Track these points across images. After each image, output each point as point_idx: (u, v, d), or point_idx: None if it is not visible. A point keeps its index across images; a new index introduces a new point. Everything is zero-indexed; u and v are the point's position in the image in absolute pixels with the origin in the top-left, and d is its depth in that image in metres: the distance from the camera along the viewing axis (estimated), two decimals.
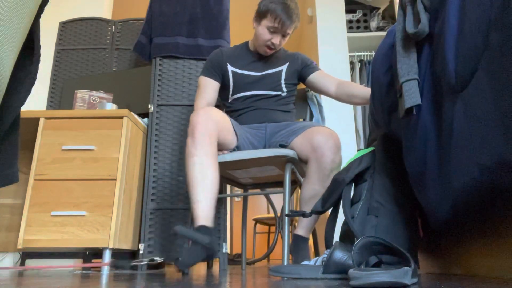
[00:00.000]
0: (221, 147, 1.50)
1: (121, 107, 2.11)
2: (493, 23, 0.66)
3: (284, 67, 1.73)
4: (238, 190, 4.28)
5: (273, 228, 3.82)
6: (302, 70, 1.75)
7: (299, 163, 1.52)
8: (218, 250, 1.30)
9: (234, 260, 3.11)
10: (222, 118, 1.46)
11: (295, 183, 1.74)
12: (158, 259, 1.63)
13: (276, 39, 1.64)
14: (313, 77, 1.74)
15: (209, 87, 1.71)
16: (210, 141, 1.38)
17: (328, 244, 1.08)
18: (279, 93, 1.69)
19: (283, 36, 1.66)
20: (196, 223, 1.30)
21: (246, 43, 1.80)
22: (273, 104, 1.69)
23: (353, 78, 3.05)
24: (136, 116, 1.90)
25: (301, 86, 1.86)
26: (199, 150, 1.36)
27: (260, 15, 1.65)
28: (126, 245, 1.72)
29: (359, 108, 2.94)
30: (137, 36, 2.23)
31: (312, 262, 1.07)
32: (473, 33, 0.71)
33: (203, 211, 1.31)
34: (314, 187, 1.40)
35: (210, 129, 1.38)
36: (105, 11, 3.07)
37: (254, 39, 1.72)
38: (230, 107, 1.74)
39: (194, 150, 1.37)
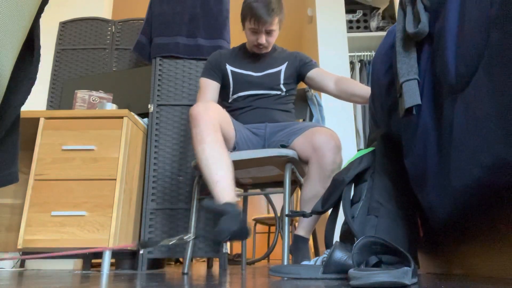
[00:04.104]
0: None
1: (121, 107, 2.11)
2: (493, 22, 0.66)
3: (283, 67, 1.72)
4: (238, 190, 4.27)
5: (273, 228, 3.82)
6: (301, 68, 1.75)
7: (299, 163, 1.52)
8: (248, 230, 1.21)
9: (234, 260, 3.11)
10: (221, 111, 1.46)
11: (295, 183, 1.74)
12: (188, 237, 1.55)
13: (261, 39, 1.64)
14: (312, 74, 1.73)
15: (209, 88, 1.71)
16: (215, 129, 1.36)
17: (328, 244, 1.08)
18: (278, 92, 1.69)
19: (268, 33, 1.65)
20: (219, 202, 1.24)
21: (244, 45, 1.80)
22: (273, 103, 1.68)
23: (353, 78, 3.05)
24: (136, 116, 1.90)
25: (301, 86, 1.86)
26: (206, 137, 1.33)
27: (242, 18, 1.68)
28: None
29: (359, 108, 2.94)
30: (137, 36, 2.23)
31: (312, 262, 1.07)
32: (473, 32, 0.71)
33: (224, 190, 1.26)
34: (315, 187, 1.39)
35: (212, 118, 1.37)
36: (105, 11, 3.07)
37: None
38: (230, 106, 1.73)
39: (201, 138, 1.33)
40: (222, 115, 1.45)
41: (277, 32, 1.68)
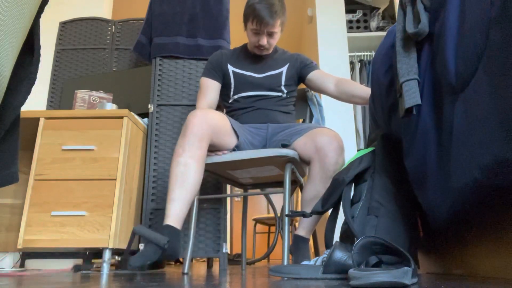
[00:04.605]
0: (219, 148, 1.50)
1: (121, 107, 2.11)
2: (493, 22, 0.66)
3: (284, 69, 1.72)
4: (238, 190, 4.28)
5: (273, 228, 3.82)
6: (302, 70, 1.75)
7: (299, 163, 1.52)
8: (177, 254, 1.27)
9: (234, 260, 3.11)
10: (219, 121, 1.45)
11: (295, 183, 1.74)
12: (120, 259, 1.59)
13: (263, 40, 1.64)
14: (312, 76, 1.74)
15: (210, 88, 1.71)
16: (200, 145, 1.37)
17: (328, 244, 1.08)
18: (279, 94, 1.69)
19: (270, 35, 1.64)
20: (164, 222, 1.30)
21: (245, 45, 1.80)
22: (274, 104, 1.68)
23: (353, 78, 3.05)
24: (136, 116, 1.90)
25: (301, 86, 1.86)
26: (186, 151, 1.36)
27: (244, 19, 1.67)
28: (126, 245, 1.72)
29: (359, 108, 2.94)
30: (137, 36, 2.23)
31: (312, 262, 1.07)
32: (473, 32, 0.71)
33: (174, 211, 1.31)
34: (317, 187, 1.39)
35: (203, 131, 1.38)
36: (105, 11, 3.07)
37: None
38: (230, 107, 1.73)
39: (182, 150, 1.36)
40: (219, 126, 1.45)
41: (278, 34, 1.67)
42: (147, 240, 1.23)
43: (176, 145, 1.40)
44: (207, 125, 1.39)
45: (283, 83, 1.70)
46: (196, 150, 1.37)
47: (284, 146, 1.52)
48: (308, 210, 1.40)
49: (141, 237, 1.23)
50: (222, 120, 1.47)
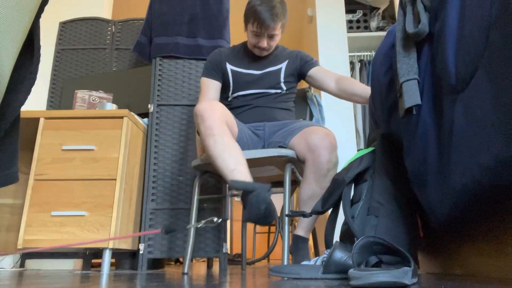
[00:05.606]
0: None
1: (121, 107, 2.11)
2: (493, 23, 0.66)
3: (283, 65, 1.72)
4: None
5: (273, 228, 3.82)
6: (302, 67, 1.75)
7: (299, 163, 1.52)
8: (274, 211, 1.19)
9: (234, 260, 3.11)
10: (226, 110, 1.46)
11: (295, 183, 1.74)
12: (217, 220, 1.45)
13: (263, 42, 1.64)
14: (313, 73, 1.74)
15: (211, 88, 1.71)
16: (222, 123, 1.35)
17: (328, 244, 1.08)
18: (278, 91, 1.69)
19: (270, 37, 1.64)
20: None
21: (244, 43, 1.80)
22: (273, 101, 1.68)
23: (353, 78, 3.05)
24: (136, 116, 1.90)
25: (301, 86, 1.86)
26: (215, 130, 1.32)
27: (245, 19, 1.66)
28: (126, 245, 1.72)
29: (359, 108, 2.94)
30: (137, 36, 2.23)
31: (312, 262, 1.07)
32: (473, 33, 0.71)
33: (242, 175, 1.24)
34: (312, 187, 1.39)
35: (219, 113, 1.36)
36: (105, 11, 3.07)
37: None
38: (229, 105, 1.73)
39: (211, 131, 1.32)
40: (226, 112, 1.44)
41: (279, 36, 1.67)
42: (248, 191, 1.14)
43: (201, 133, 1.35)
44: (218, 109, 1.38)
45: (282, 80, 1.70)
46: (223, 126, 1.34)
47: (281, 148, 1.52)
48: (306, 209, 1.40)
49: (240, 190, 1.14)
50: (226, 109, 1.47)
